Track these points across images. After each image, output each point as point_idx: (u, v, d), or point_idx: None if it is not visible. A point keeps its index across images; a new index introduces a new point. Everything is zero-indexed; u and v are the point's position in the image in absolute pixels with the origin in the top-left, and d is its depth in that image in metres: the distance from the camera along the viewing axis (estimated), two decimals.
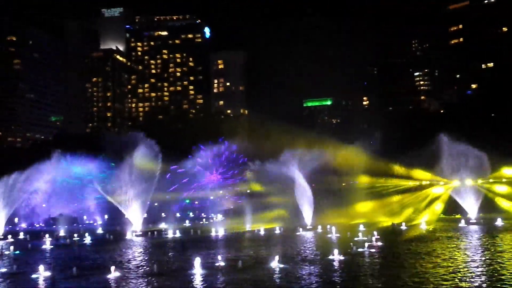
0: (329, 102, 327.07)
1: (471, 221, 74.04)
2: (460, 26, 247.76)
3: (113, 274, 38.70)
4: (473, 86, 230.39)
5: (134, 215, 75.41)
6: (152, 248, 58.56)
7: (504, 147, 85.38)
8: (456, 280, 33.74)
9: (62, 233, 75.71)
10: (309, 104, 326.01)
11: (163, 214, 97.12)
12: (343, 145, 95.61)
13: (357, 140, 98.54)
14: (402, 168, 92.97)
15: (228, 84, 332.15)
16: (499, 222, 70.50)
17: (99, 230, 79.94)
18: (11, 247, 58.70)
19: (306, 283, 34.92)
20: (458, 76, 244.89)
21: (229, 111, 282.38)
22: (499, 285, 31.84)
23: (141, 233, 72.59)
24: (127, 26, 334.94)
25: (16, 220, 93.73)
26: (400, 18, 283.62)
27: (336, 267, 40.56)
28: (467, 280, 33.88)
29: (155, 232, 73.50)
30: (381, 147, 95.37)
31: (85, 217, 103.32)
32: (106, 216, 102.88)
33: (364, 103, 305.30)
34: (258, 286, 34.89)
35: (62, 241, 67.81)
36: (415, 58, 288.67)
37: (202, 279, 37.14)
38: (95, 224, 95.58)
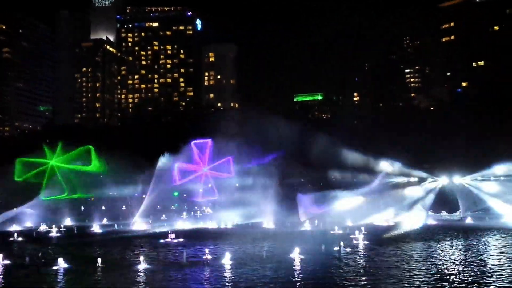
0: (320, 97, 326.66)
1: (460, 219, 74.33)
2: (452, 24, 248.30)
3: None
4: (464, 84, 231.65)
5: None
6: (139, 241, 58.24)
7: (494, 145, 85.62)
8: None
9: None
10: (300, 99, 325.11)
11: (158, 206, 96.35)
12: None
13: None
14: (391, 165, 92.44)
15: (219, 77, 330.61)
16: (487, 221, 70.88)
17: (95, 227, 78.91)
18: None
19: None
20: (448, 73, 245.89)
21: (219, 104, 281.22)
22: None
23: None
24: (118, 17, 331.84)
25: None
26: (392, 14, 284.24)
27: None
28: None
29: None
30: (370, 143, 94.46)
31: None
32: (103, 207, 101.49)
33: (355, 99, 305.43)
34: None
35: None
36: (406, 55, 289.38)
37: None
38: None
